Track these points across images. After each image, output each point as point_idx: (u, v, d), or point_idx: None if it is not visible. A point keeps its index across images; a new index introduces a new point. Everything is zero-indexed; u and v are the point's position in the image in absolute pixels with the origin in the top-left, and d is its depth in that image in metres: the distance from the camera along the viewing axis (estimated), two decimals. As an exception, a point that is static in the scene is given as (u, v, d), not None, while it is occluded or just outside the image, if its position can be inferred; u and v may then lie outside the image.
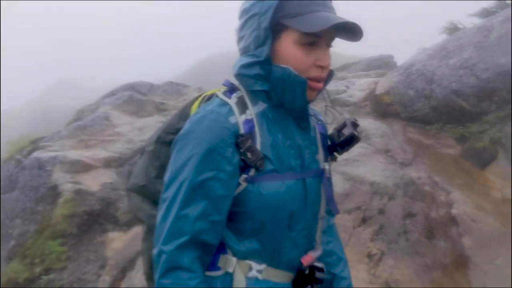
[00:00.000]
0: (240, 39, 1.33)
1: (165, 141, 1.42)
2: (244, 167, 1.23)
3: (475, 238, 3.93)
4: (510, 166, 4.65)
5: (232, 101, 1.29)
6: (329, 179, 1.39)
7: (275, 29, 1.24)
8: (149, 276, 1.40)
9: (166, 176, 1.25)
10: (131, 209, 1.55)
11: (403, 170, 4.66)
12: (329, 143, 1.46)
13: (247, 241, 1.28)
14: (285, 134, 1.30)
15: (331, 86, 6.84)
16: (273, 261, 1.31)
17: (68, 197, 5.07)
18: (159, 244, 1.19)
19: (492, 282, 3.59)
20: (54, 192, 5.19)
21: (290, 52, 1.24)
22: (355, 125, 1.41)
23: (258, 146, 1.24)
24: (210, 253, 1.26)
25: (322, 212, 1.38)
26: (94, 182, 5.49)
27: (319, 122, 1.48)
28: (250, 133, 1.24)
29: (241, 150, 1.21)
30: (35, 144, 6.45)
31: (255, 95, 1.31)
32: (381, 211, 4.14)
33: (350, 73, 9.30)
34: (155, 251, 1.20)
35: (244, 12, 1.30)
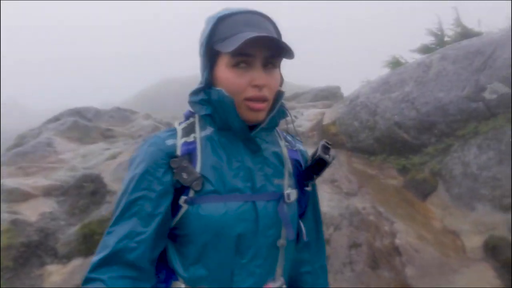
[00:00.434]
0: None
1: None
2: (182, 188, 1.24)
3: (417, 267, 4.02)
4: (449, 197, 4.84)
5: (180, 127, 1.35)
6: (291, 205, 1.33)
7: (212, 55, 1.28)
8: None
9: None
10: None
11: (349, 200, 4.74)
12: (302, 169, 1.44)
13: (193, 267, 1.25)
14: (233, 156, 1.29)
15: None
16: None
17: (4, 228, 4.79)
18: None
19: (433, 311, 3.67)
20: (-12, 223, 4.90)
21: (224, 75, 1.26)
22: (326, 148, 1.39)
23: (198, 167, 1.25)
24: (144, 279, 1.20)
25: (283, 239, 1.30)
26: (32, 211, 5.23)
27: (294, 148, 1.45)
28: (189, 155, 1.27)
29: (174, 171, 1.23)
30: (-31, 171, 6.11)
31: (204, 120, 1.34)
32: (327, 242, 4.18)
33: (299, 103, 9.48)
34: None
35: None
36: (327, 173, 5.13)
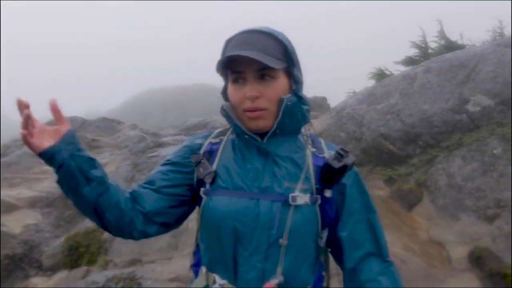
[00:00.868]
0: None
1: None
2: (202, 181, 1.43)
3: (404, 278, 4.03)
4: (434, 208, 4.89)
5: (218, 130, 1.59)
6: (300, 208, 1.36)
7: (225, 73, 1.45)
8: None
9: None
10: None
11: (336, 211, 4.77)
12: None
13: (207, 252, 1.44)
14: (247, 158, 1.43)
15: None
16: (232, 279, 1.38)
17: (-13, 240, 4.73)
18: None
19: (420, 322, 3.69)
20: (-29, 235, 4.82)
21: (229, 90, 1.43)
22: (339, 154, 1.40)
23: (215, 164, 1.44)
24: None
25: (284, 239, 1.35)
26: (17, 223, 5.16)
27: (320, 155, 1.47)
28: (210, 153, 1.48)
29: (194, 165, 1.46)
30: (-48, 182, 6.01)
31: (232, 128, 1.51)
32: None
33: (285, 114, 9.53)
34: None
35: None
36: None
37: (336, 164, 1.37)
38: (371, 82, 10.03)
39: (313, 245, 1.43)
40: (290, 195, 1.36)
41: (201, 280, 1.44)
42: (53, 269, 4.68)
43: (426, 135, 5.47)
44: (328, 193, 1.40)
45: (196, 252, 1.53)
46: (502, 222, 4.39)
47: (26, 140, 1.25)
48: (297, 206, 1.36)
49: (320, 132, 6.43)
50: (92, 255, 4.72)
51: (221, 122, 8.62)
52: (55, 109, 1.29)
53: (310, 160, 1.44)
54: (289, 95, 1.39)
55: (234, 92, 1.40)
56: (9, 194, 5.60)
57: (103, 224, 1.42)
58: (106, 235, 4.95)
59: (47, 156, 1.28)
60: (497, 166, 4.79)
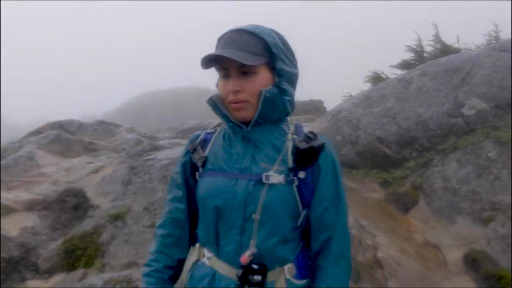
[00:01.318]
0: None
1: None
2: (196, 165, 1.65)
3: (399, 280, 4.07)
4: (430, 211, 4.92)
5: (215, 123, 1.77)
6: (274, 187, 1.50)
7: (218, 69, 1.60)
8: None
9: None
10: None
11: (332, 214, 4.77)
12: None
13: (200, 229, 1.65)
14: (233, 144, 1.62)
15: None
16: (216, 252, 1.57)
17: (-16, 243, 4.72)
18: None
19: (415, 324, 3.71)
20: (-33, 238, 4.81)
21: (219, 84, 1.61)
22: (308, 137, 1.53)
23: (207, 150, 1.65)
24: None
25: (257, 214, 1.49)
26: (14, 226, 5.15)
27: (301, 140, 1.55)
28: (205, 141, 1.69)
29: (190, 151, 1.68)
30: None
31: None
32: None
33: (282, 117, 9.54)
34: None
35: None
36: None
37: (303, 146, 1.50)
38: (367, 86, 10.06)
39: (291, 224, 1.55)
40: (264, 174, 1.51)
41: (194, 254, 1.65)
42: (50, 272, 4.67)
43: (421, 138, 5.50)
44: (301, 174, 1.53)
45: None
46: (497, 225, 4.42)
47: None
48: (271, 185, 1.50)
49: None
50: (89, 258, 4.71)
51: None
52: None
53: (289, 145, 1.57)
54: (270, 87, 1.52)
55: (222, 86, 1.57)
56: (6, 197, 5.59)
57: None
58: (103, 238, 4.95)
59: None
60: (492, 169, 4.82)
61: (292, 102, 1.60)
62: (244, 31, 1.53)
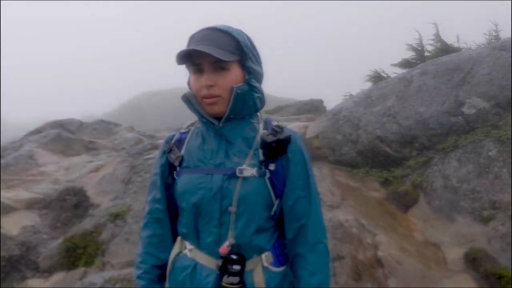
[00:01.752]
0: None
1: None
2: (173, 164, 1.71)
3: (400, 279, 4.07)
4: (430, 209, 4.92)
5: (188, 123, 1.83)
6: (248, 180, 1.58)
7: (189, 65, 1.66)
8: None
9: None
10: None
11: (332, 212, 4.78)
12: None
13: (181, 224, 1.72)
14: (206, 140, 1.68)
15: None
16: (197, 244, 1.65)
17: (-16, 242, 4.72)
18: None
19: (415, 323, 3.71)
20: (-32, 236, 4.81)
21: (190, 80, 1.66)
22: (274, 131, 1.63)
23: (183, 149, 1.71)
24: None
25: (233, 207, 1.57)
26: (14, 225, 5.16)
27: (268, 134, 1.64)
28: (180, 141, 1.75)
29: (166, 152, 1.74)
30: (-52, 184, 5.99)
31: None
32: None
33: (282, 116, 9.55)
34: None
35: None
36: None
37: (270, 139, 1.59)
38: (368, 85, 10.05)
39: (265, 214, 1.64)
40: (237, 168, 1.58)
41: (176, 247, 1.73)
42: (50, 271, 4.68)
43: (422, 137, 5.50)
44: (272, 166, 1.62)
45: None
46: (497, 224, 4.42)
47: None
48: (245, 178, 1.58)
49: (316, 135, 6.46)
50: (89, 256, 4.72)
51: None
52: None
53: (259, 139, 1.65)
54: (241, 84, 1.59)
55: (194, 81, 1.62)
56: (6, 195, 5.59)
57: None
58: (103, 236, 4.96)
59: None
60: (492, 168, 4.82)
61: (261, 99, 1.70)
62: (217, 30, 1.60)
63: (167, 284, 1.74)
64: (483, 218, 4.53)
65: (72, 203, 5.57)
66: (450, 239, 4.55)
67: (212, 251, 1.60)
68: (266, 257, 1.63)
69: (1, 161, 6.67)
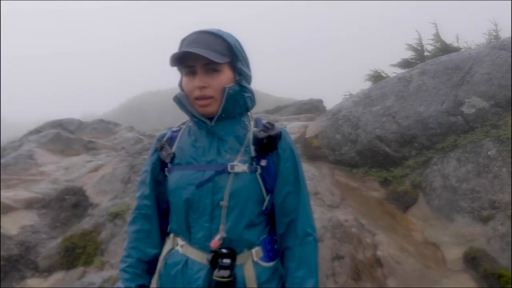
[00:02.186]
0: None
1: None
2: (164, 162, 1.75)
3: (399, 279, 4.07)
4: (429, 209, 4.91)
5: (180, 122, 1.88)
6: (239, 176, 1.63)
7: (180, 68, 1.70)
8: None
9: None
10: None
11: (331, 212, 4.78)
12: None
13: (172, 220, 1.76)
14: (198, 138, 1.72)
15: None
16: (188, 240, 1.69)
17: (-17, 241, 4.71)
18: None
19: (414, 322, 3.70)
20: (-33, 236, 4.81)
21: (183, 82, 1.69)
22: (265, 127, 1.71)
23: (174, 147, 1.75)
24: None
25: (225, 201, 1.61)
26: (13, 225, 5.16)
27: (260, 131, 1.71)
28: (171, 139, 1.79)
29: (158, 150, 1.78)
30: None
31: None
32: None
33: (282, 116, 9.55)
34: None
35: None
36: (309, 185, 5.18)
37: (261, 135, 1.65)
38: (367, 84, 10.05)
39: (257, 209, 1.68)
40: (229, 164, 1.63)
41: (169, 244, 1.76)
42: (49, 270, 4.68)
43: (421, 137, 5.49)
44: (263, 162, 1.67)
45: None
46: (497, 223, 4.42)
47: None
48: (237, 174, 1.63)
49: (316, 134, 6.45)
50: (88, 256, 4.72)
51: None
52: None
53: (250, 136, 1.71)
54: (232, 84, 1.65)
55: (186, 83, 1.66)
56: (5, 195, 5.59)
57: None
58: (102, 236, 4.96)
59: None
60: (491, 168, 4.82)
61: (252, 99, 1.74)
62: (208, 33, 1.66)
63: (157, 282, 1.76)
64: (482, 218, 4.53)
65: (71, 202, 5.57)
66: (449, 238, 4.55)
67: (203, 246, 1.64)
68: (256, 252, 1.67)
69: (1, 161, 6.67)
